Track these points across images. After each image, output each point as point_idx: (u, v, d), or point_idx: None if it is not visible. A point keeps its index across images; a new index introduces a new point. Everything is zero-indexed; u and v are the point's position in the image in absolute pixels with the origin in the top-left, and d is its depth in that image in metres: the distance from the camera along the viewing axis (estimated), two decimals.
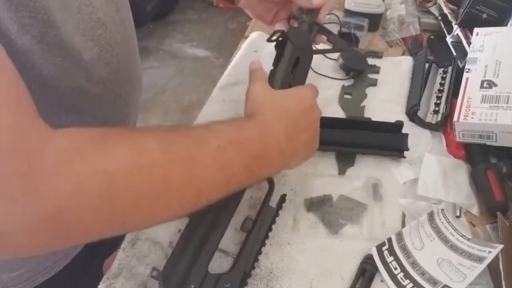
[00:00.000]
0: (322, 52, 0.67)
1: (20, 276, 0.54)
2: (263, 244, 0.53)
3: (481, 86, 0.68)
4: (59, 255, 0.57)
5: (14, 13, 0.35)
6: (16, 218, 0.28)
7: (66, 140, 0.31)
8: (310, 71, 0.86)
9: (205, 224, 0.48)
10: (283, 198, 0.58)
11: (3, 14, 0.34)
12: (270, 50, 0.92)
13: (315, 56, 0.88)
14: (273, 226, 0.55)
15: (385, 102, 0.80)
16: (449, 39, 0.88)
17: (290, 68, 0.58)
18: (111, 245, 0.76)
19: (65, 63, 0.42)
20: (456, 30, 0.86)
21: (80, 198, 0.30)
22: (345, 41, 0.68)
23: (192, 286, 0.45)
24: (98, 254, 0.69)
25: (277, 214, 0.56)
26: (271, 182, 0.56)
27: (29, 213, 0.28)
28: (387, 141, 0.69)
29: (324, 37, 0.67)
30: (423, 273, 0.54)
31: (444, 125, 0.74)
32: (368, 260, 0.56)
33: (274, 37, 0.60)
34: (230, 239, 0.59)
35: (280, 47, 0.60)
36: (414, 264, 0.55)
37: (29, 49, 0.38)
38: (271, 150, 0.46)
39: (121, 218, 0.34)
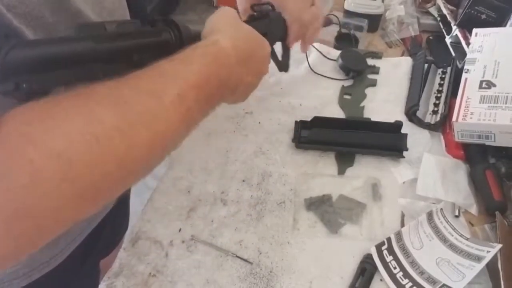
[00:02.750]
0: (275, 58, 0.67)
1: (17, 272, 0.54)
2: None
3: (480, 87, 0.68)
4: (56, 251, 0.58)
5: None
6: None
7: (13, 126, 0.29)
8: (310, 71, 0.86)
9: None
10: None
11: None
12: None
13: (314, 57, 0.89)
14: None
15: (384, 102, 0.80)
16: (448, 40, 0.89)
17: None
18: (108, 244, 0.76)
19: None
20: (455, 30, 0.87)
21: (39, 187, 0.28)
22: (288, 66, 0.70)
23: None
24: (94, 251, 0.69)
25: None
26: None
27: None
28: (387, 141, 0.70)
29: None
30: (422, 273, 0.54)
31: (443, 125, 0.74)
32: (367, 260, 0.56)
33: (261, 7, 0.61)
34: (230, 238, 0.59)
35: (258, 17, 0.60)
36: (413, 263, 0.55)
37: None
38: (223, 86, 0.43)
39: (88, 197, 0.32)
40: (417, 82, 0.80)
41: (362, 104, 0.80)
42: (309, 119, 0.72)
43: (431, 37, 0.94)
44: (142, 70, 0.36)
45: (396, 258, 0.56)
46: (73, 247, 0.60)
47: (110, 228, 0.72)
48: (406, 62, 0.88)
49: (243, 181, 0.67)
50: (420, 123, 0.74)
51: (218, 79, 0.42)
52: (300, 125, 0.72)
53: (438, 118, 0.73)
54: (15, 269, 0.54)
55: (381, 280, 0.55)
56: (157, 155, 0.37)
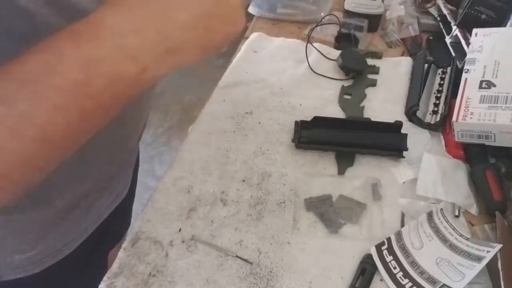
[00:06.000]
0: None
1: (31, 258, 0.55)
2: None
3: (480, 87, 0.68)
4: (68, 239, 0.59)
5: None
6: None
7: None
8: (310, 71, 0.86)
9: None
10: None
11: None
12: (270, 51, 0.93)
13: (314, 57, 0.89)
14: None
15: (384, 102, 0.80)
16: (448, 40, 0.88)
17: None
18: (116, 235, 0.77)
19: None
20: (455, 30, 0.87)
21: None
22: None
23: None
24: (103, 242, 0.70)
25: None
26: None
27: None
28: (387, 141, 0.70)
29: None
30: (422, 273, 0.54)
31: (443, 125, 0.74)
32: (367, 260, 0.56)
33: None
34: (230, 238, 0.59)
35: None
36: (413, 263, 0.55)
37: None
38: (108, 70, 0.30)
39: None
40: (417, 82, 0.80)
41: (362, 104, 0.80)
42: (309, 119, 0.72)
43: (431, 37, 0.94)
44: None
45: (396, 258, 0.56)
46: (85, 237, 0.62)
47: (118, 220, 0.73)
48: (406, 62, 0.88)
49: (243, 181, 0.67)
50: (420, 123, 0.74)
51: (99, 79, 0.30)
52: (300, 125, 0.72)
53: (438, 118, 0.73)
54: (30, 255, 0.55)
55: (381, 280, 0.55)
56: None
